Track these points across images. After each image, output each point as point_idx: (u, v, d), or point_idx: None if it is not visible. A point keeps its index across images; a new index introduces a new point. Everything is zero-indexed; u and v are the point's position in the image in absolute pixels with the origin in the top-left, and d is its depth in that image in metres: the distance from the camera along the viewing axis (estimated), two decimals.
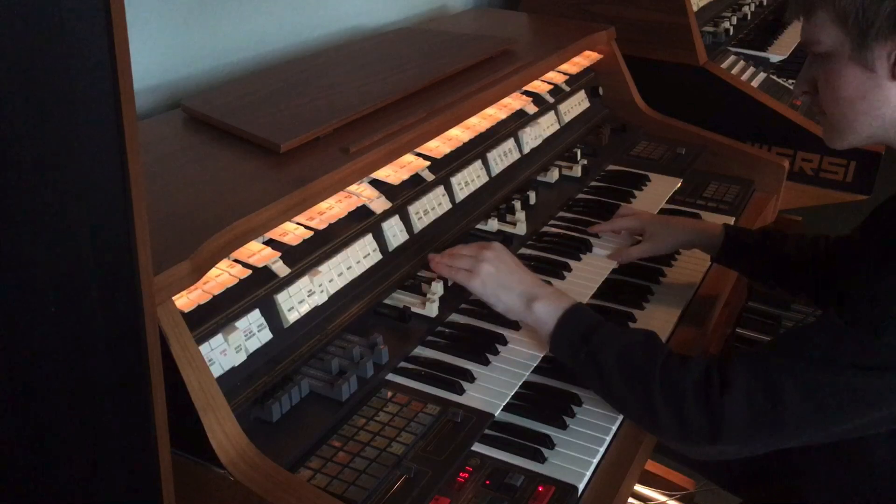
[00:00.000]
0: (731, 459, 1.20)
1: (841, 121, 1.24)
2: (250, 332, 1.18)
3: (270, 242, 1.26)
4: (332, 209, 1.36)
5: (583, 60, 2.21)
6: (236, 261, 1.21)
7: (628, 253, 1.66)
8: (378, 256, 1.42)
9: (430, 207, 1.56)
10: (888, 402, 1.11)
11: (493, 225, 1.66)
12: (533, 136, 1.91)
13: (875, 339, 1.08)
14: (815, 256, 1.53)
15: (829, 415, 1.11)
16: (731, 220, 1.91)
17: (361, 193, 1.43)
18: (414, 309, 1.39)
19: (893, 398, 1.10)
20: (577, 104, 2.15)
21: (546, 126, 1.99)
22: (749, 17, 3.09)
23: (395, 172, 1.49)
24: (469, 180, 1.67)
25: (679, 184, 2.04)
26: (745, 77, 2.58)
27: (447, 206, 1.61)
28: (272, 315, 1.22)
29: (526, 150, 1.88)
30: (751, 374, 1.13)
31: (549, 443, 1.19)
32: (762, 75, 2.69)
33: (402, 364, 1.31)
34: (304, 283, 1.27)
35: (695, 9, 2.56)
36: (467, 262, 1.36)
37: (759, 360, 1.15)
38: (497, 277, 1.33)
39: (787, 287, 1.61)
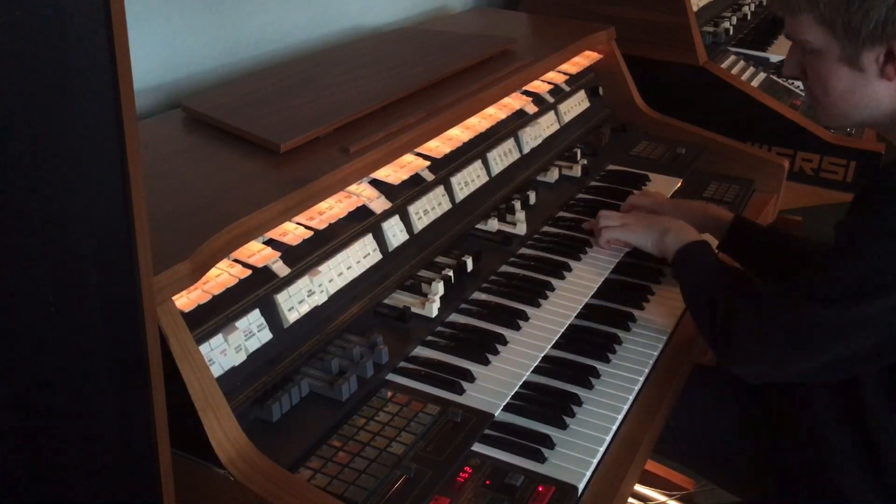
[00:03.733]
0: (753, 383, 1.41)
1: (832, 109, 1.30)
2: (250, 332, 1.18)
3: (270, 242, 1.26)
4: (332, 209, 1.36)
5: (583, 60, 2.21)
6: (236, 261, 1.21)
7: None
8: (378, 256, 1.42)
9: (430, 207, 1.56)
10: (855, 334, 1.18)
11: (493, 225, 1.66)
12: (533, 136, 1.91)
13: (839, 268, 1.20)
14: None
15: (811, 347, 1.23)
16: None
17: (361, 193, 1.43)
18: (414, 309, 1.39)
19: (860, 329, 1.18)
20: (577, 104, 2.15)
21: (546, 126, 1.99)
22: (749, 17, 3.09)
23: (395, 172, 1.49)
24: (469, 180, 1.67)
25: (679, 184, 2.03)
26: (745, 77, 2.58)
27: (447, 206, 1.61)
28: (272, 315, 1.22)
29: (526, 150, 1.88)
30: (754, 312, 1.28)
31: (549, 443, 1.19)
32: (762, 75, 2.69)
33: (402, 364, 1.31)
34: (304, 283, 1.27)
35: (695, 9, 2.55)
36: (616, 220, 1.67)
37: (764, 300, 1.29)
38: (642, 223, 1.63)
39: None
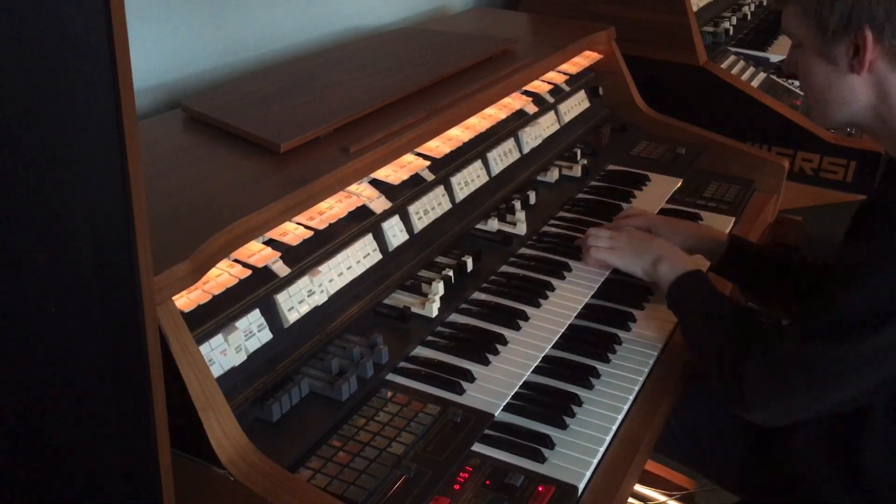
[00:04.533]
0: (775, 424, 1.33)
1: (815, 105, 1.32)
2: (250, 332, 1.18)
3: (270, 242, 1.26)
4: (332, 209, 1.36)
5: (583, 60, 2.21)
6: (236, 261, 1.21)
7: None
8: (378, 256, 1.42)
9: (430, 207, 1.56)
10: (874, 365, 1.17)
11: (493, 225, 1.66)
12: (533, 136, 1.91)
13: (849, 300, 1.17)
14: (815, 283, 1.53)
15: (830, 385, 1.20)
16: (731, 220, 1.91)
17: (361, 193, 1.43)
18: (414, 309, 1.39)
19: (879, 360, 1.16)
20: (577, 104, 2.15)
21: (546, 126, 1.99)
22: (749, 17, 3.09)
23: (395, 172, 1.49)
24: (469, 180, 1.67)
25: (679, 184, 2.03)
26: (745, 77, 2.58)
27: (447, 205, 1.61)
28: (272, 315, 1.22)
29: (526, 149, 1.88)
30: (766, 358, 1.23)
31: (549, 443, 1.19)
32: (762, 75, 2.69)
33: (402, 364, 1.31)
34: (304, 283, 1.27)
35: (695, 9, 2.56)
36: (606, 241, 1.59)
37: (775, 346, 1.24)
38: (632, 247, 1.56)
39: (784, 310, 1.62)
